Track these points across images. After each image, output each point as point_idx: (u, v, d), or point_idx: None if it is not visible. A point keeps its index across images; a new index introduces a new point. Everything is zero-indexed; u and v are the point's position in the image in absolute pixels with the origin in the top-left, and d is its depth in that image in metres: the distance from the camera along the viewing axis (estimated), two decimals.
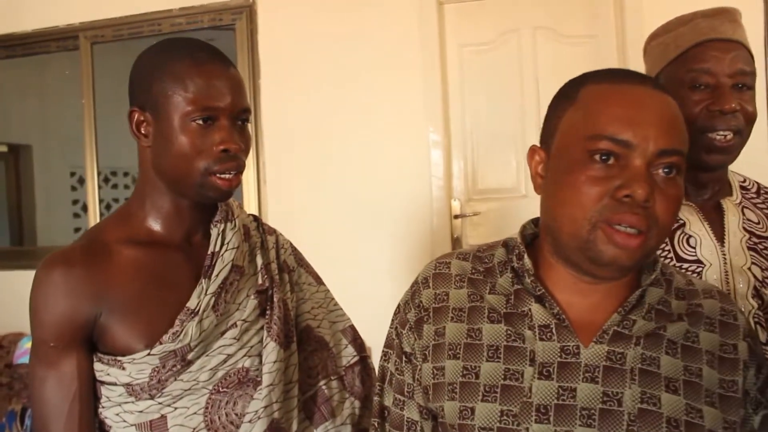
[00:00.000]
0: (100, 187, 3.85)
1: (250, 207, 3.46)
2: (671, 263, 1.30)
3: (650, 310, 0.92)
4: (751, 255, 1.30)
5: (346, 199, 3.35)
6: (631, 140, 0.85)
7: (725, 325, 0.95)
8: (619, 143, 0.85)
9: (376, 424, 1.05)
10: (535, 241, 1.01)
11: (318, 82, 3.39)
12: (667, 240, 1.32)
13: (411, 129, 3.27)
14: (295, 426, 1.26)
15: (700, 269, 1.30)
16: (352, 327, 1.45)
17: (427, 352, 0.98)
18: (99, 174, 3.87)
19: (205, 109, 1.11)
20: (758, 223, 1.35)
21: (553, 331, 0.91)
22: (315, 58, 3.40)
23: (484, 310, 0.96)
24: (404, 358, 1.02)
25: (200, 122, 1.12)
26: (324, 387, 1.34)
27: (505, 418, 0.88)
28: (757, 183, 1.44)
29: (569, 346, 0.90)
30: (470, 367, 0.93)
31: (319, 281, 1.46)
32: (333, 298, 1.46)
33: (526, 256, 0.96)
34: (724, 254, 1.31)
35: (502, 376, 0.90)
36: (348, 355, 1.40)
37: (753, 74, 1.34)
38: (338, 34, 3.37)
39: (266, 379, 1.20)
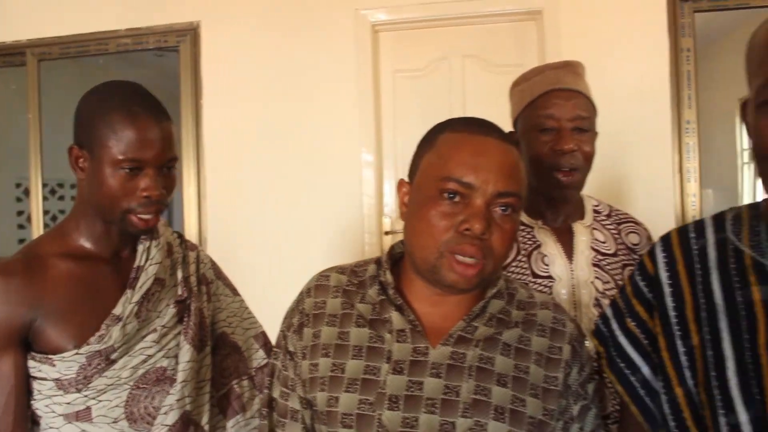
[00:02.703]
0: (45, 199, 3.91)
1: (191, 222, 3.57)
2: (528, 279, 1.50)
3: (491, 318, 1.10)
4: (595, 270, 1.51)
5: (284, 215, 3.47)
6: (474, 183, 1.02)
7: (555, 331, 1.12)
8: (464, 185, 1.02)
9: (264, 413, 1.18)
10: (402, 259, 1.17)
11: (258, 102, 3.51)
12: (525, 258, 1.52)
13: (345, 149, 3.42)
14: (206, 419, 1.42)
15: (551, 284, 1.50)
16: (264, 333, 1.62)
17: (306, 351, 1.12)
18: (45, 186, 3.92)
19: (133, 161, 1.26)
20: (605, 242, 1.56)
21: (408, 334, 1.07)
22: (256, 80, 3.52)
23: (353, 316, 1.12)
24: (288, 357, 1.16)
25: (128, 170, 1.27)
26: (236, 386, 1.51)
27: (362, 405, 1.03)
28: (609, 206, 1.66)
29: (420, 347, 1.06)
30: (338, 363, 1.08)
31: (235, 292, 1.63)
32: (247, 308, 1.63)
33: (388, 272, 1.13)
34: (573, 270, 1.51)
35: (363, 371, 1.06)
36: (259, 357, 1.57)
37: (590, 119, 1.55)
38: (278, 57, 3.50)
39: (180, 376, 1.36)
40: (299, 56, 3.49)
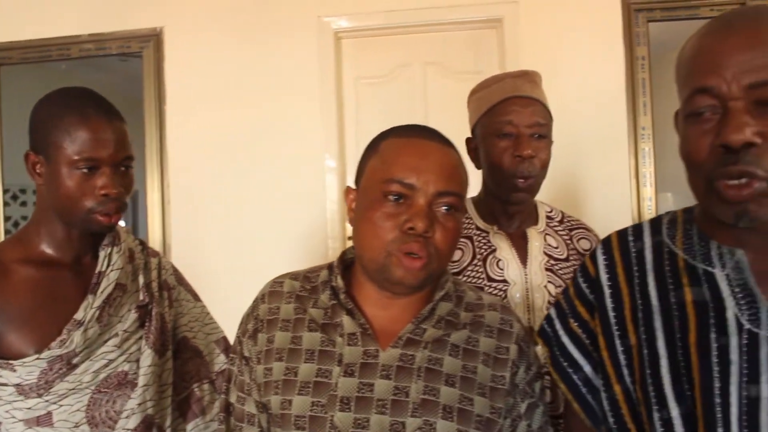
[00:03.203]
0: (7, 205, 3.88)
1: (155, 228, 3.56)
2: (483, 283, 1.55)
3: (440, 320, 1.14)
4: (547, 275, 1.57)
5: (247, 221, 3.48)
6: (415, 184, 1.07)
7: (502, 332, 1.16)
8: (406, 186, 1.07)
9: (221, 418, 1.21)
10: (353, 264, 1.21)
11: (222, 108, 3.52)
12: (480, 262, 1.57)
13: (308, 155, 3.44)
14: (168, 422, 1.45)
15: (506, 287, 1.55)
16: (225, 338, 1.64)
17: (260, 356, 1.15)
18: (6, 191, 3.89)
19: (89, 160, 1.30)
20: (557, 248, 1.62)
21: (359, 337, 1.11)
22: (219, 86, 3.53)
23: (305, 321, 1.15)
24: (244, 362, 1.18)
25: (84, 170, 1.31)
26: (196, 389, 1.54)
27: (315, 407, 1.07)
28: (562, 213, 1.72)
29: (370, 349, 1.10)
30: (291, 367, 1.11)
31: (196, 298, 1.65)
32: (209, 314, 1.66)
33: (339, 277, 1.17)
34: (527, 275, 1.57)
35: (315, 374, 1.09)
36: (220, 362, 1.60)
37: (547, 126, 1.61)
38: (242, 63, 3.52)
39: (142, 380, 1.39)
40: (262, 62, 3.51)
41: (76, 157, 1.30)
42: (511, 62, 3.34)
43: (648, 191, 3.33)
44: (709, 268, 1.00)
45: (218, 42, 3.54)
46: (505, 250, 1.60)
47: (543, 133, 1.59)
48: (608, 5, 3.36)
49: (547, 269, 1.58)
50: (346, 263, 1.23)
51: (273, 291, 1.21)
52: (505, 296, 1.55)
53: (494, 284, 1.56)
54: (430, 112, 3.42)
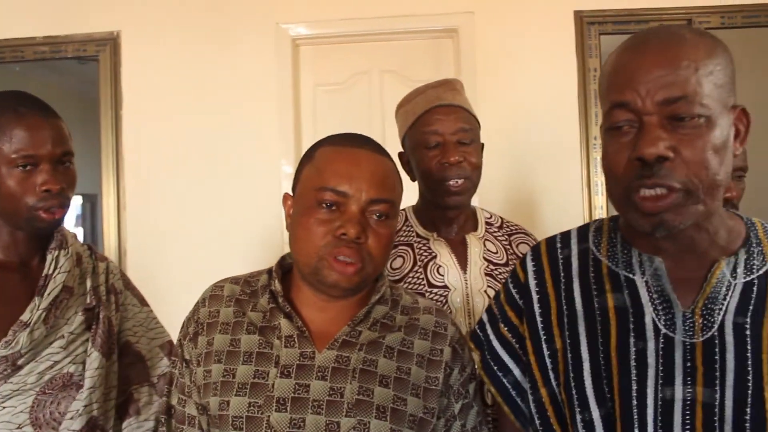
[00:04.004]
0: None
1: (110, 233, 3.52)
2: (424, 289, 1.58)
3: (375, 323, 1.17)
4: (487, 279, 1.61)
5: (203, 226, 3.46)
6: (348, 191, 1.10)
7: (437, 334, 1.20)
8: (339, 193, 1.10)
9: (163, 420, 1.23)
10: (292, 269, 1.23)
11: (179, 113, 3.49)
12: (421, 269, 1.60)
13: (265, 161, 3.44)
14: (110, 424, 1.46)
15: (446, 293, 1.59)
16: (170, 342, 1.65)
17: (200, 359, 1.17)
18: None
19: (27, 157, 1.32)
20: (496, 253, 1.66)
21: (296, 340, 1.14)
22: (176, 91, 3.51)
23: (244, 324, 1.17)
24: (184, 364, 1.21)
25: (24, 168, 1.32)
26: (134, 392, 1.55)
27: (252, 408, 1.09)
28: (501, 218, 1.76)
29: (307, 351, 1.13)
30: (229, 369, 1.13)
31: (143, 303, 1.66)
32: (155, 318, 1.67)
33: (277, 281, 1.19)
34: (467, 280, 1.60)
35: (253, 376, 1.11)
36: (163, 365, 1.61)
37: (473, 131, 1.65)
38: (199, 68, 3.50)
39: (88, 383, 1.40)
40: (220, 68, 3.50)
41: (14, 156, 1.31)
42: (467, 72, 3.38)
43: (599, 200, 3.40)
44: (630, 275, 1.05)
45: (176, 47, 3.52)
46: (445, 257, 1.63)
47: (468, 139, 1.64)
48: (561, 18, 3.42)
49: (486, 274, 1.62)
50: (286, 268, 1.25)
51: (213, 295, 1.24)
52: (446, 301, 1.58)
53: (435, 290, 1.59)
54: (388, 120, 3.43)
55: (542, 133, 3.38)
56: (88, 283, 1.50)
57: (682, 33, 0.97)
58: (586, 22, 3.42)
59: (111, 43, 3.56)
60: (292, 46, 3.49)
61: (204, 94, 3.50)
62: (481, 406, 1.25)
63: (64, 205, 1.38)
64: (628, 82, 0.96)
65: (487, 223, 1.74)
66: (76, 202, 6.54)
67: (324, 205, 1.11)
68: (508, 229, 1.74)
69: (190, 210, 3.48)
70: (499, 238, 1.71)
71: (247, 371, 1.12)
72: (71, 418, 1.36)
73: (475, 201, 3.29)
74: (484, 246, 1.67)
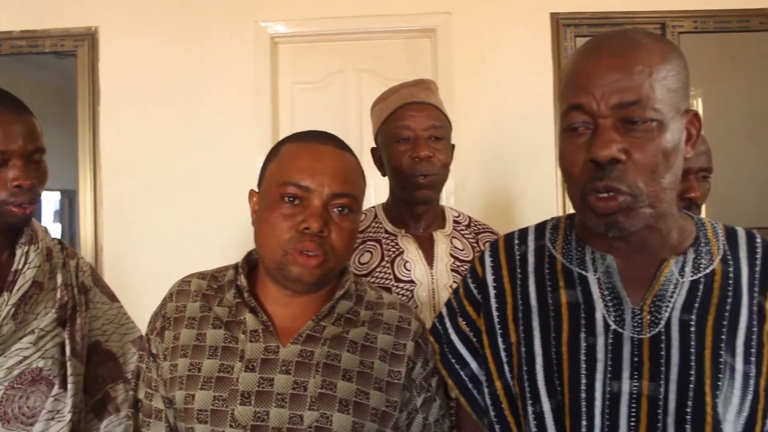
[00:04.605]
0: None
1: (87, 228, 3.51)
2: (391, 283, 1.61)
3: (339, 318, 1.19)
4: (453, 275, 1.64)
5: (181, 223, 3.46)
6: (310, 186, 1.13)
7: (400, 329, 1.22)
8: (302, 188, 1.13)
9: (130, 414, 1.24)
10: (258, 264, 1.25)
11: (157, 110, 3.49)
12: (389, 264, 1.64)
13: (243, 158, 3.43)
14: (83, 424, 1.47)
15: (413, 287, 1.62)
16: (141, 337, 1.67)
17: (167, 353, 1.19)
18: None
19: None
20: (463, 250, 1.70)
21: (260, 334, 1.16)
22: (154, 88, 3.50)
23: (210, 318, 1.19)
24: (152, 359, 1.22)
25: None
26: (110, 390, 1.56)
27: (216, 401, 1.11)
28: (469, 217, 1.81)
29: (271, 346, 1.15)
30: (195, 363, 1.15)
31: (113, 299, 1.67)
32: (125, 314, 1.68)
33: (242, 276, 1.21)
34: (433, 275, 1.64)
35: (218, 370, 1.13)
36: (134, 361, 1.62)
37: (444, 128, 1.70)
38: (178, 65, 3.50)
39: (71, 390, 1.41)
40: (198, 65, 3.50)
41: None
42: (443, 72, 3.42)
43: None
44: (583, 272, 1.08)
45: (154, 43, 3.52)
46: (412, 252, 1.67)
47: (439, 135, 1.68)
48: (538, 19, 3.46)
49: (452, 270, 1.66)
50: (252, 263, 1.27)
51: (180, 290, 1.26)
52: (412, 296, 1.62)
53: (401, 284, 1.63)
54: (365, 118, 3.38)
55: (518, 132, 3.42)
56: (59, 279, 1.51)
57: (638, 38, 1.00)
58: (562, 24, 3.46)
59: (89, 38, 3.55)
60: (270, 44, 3.51)
61: (182, 90, 3.50)
62: (444, 399, 1.28)
63: (35, 201, 1.40)
64: (585, 85, 0.99)
65: (454, 221, 1.78)
66: (54, 198, 6.50)
67: (287, 200, 1.13)
68: (475, 228, 1.78)
69: (167, 206, 3.48)
70: (466, 235, 1.74)
71: (213, 365, 1.14)
72: (52, 419, 1.38)
73: (451, 199, 3.36)
74: (451, 243, 1.71)
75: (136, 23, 3.53)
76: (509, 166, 3.44)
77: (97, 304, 1.62)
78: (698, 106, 3.79)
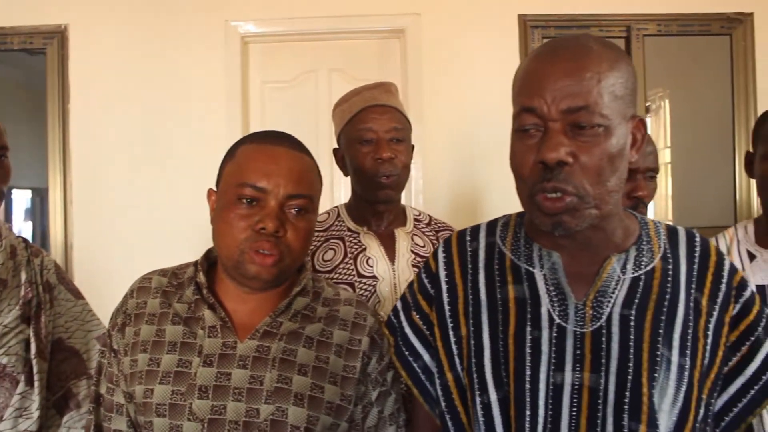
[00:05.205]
0: None
1: (57, 227, 3.51)
2: (354, 279, 1.65)
3: (296, 314, 1.23)
4: (414, 271, 1.70)
5: (152, 222, 3.46)
6: (266, 187, 1.16)
7: (356, 325, 1.25)
8: (258, 189, 1.16)
9: (92, 409, 1.26)
10: (217, 261, 1.29)
11: (127, 108, 3.49)
12: (352, 261, 1.68)
13: (213, 157, 3.39)
14: (44, 420, 1.49)
15: (375, 283, 1.67)
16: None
17: (127, 348, 1.22)
18: None
19: None
20: (423, 247, 1.75)
21: (219, 330, 1.19)
22: (125, 86, 3.50)
23: (170, 315, 1.22)
24: (113, 354, 1.25)
25: None
26: (72, 386, 1.58)
27: (174, 395, 1.14)
28: (429, 216, 1.86)
29: (229, 341, 1.18)
30: (154, 358, 1.18)
31: (77, 296, 1.69)
32: (90, 311, 1.70)
33: (201, 273, 1.24)
34: (394, 271, 1.68)
35: (177, 365, 1.16)
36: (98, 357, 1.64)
37: (405, 131, 1.75)
38: (148, 64, 3.50)
39: (38, 388, 1.43)
40: (169, 64, 3.50)
41: None
42: (413, 72, 3.46)
43: None
44: (531, 268, 1.13)
45: (125, 42, 3.51)
46: (374, 249, 1.71)
47: (400, 137, 1.74)
48: (506, 21, 3.52)
49: (413, 266, 1.71)
50: (211, 261, 1.30)
51: (141, 287, 1.28)
52: (375, 291, 1.66)
53: (364, 280, 1.67)
54: None
55: (486, 133, 3.46)
56: (23, 276, 1.52)
57: (590, 45, 1.04)
58: (529, 26, 3.51)
59: (58, 36, 3.53)
60: (241, 44, 3.52)
61: (152, 89, 3.50)
62: (400, 393, 1.31)
63: None
64: (537, 90, 1.02)
65: (415, 220, 1.83)
66: (25, 196, 6.45)
67: (244, 201, 1.17)
68: (435, 226, 1.84)
69: (138, 204, 3.48)
70: (426, 233, 1.80)
71: (171, 360, 1.17)
72: (21, 416, 1.39)
73: (420, 197, 3.40)
74: (412, 240, 1.76)
75: (106, 21, 3.52)
76: (477, 165, 3.49)
77: (62, 301, 1.64)
78: (665, 107, 3.88)
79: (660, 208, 3.89)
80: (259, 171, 1.17)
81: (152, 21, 3.52)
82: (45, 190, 3.61)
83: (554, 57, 1.03)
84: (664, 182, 3.93)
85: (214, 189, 1.28)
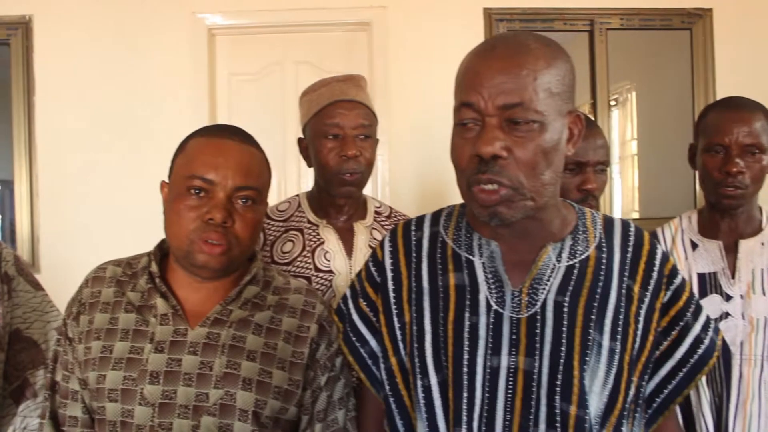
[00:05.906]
0: None
1: (23, 221, 3.50)
2: (311, 273, 1.68)
3: (246, 302, 1.27)
4: None
5: (119, 214, 3.47)
6: (214, 179, 1.20)
7: (305, 312, 1.30)
8: (206, 181, 1.20)
9: (47, 395, 1.30)
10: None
11: (93, 100, 3.49)
12: (309, 254, 1.70)
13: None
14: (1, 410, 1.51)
15: (332, 277, 1.69)
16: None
17: (82, 336, 1.25)
18: None
19: None
20: None
21: (170, 318, 1.23)
22: (91, 78, 3.50)
23: (123, 303, 1.26)
24: (68, 342, 1.29)
25: None
26: (29, 376, 1.59)
27: (126, 381, 1.18)
28: (390, 208, 1.87)
29: (180, 328, 1.22)
30: (107, 345, 1.22)
31: (37, 288, 1.69)
32: (50, 302, 1.70)
33: (154, 263, 1.28)
34: (351, 266, 1.71)
35: (129, 351, 1.20)
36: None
37: (371, 127, 1.75)
38: (114, 55, 3.50)
39: None
40: (135, 56, 3.50)
41: None
42: (379, 64, 3.50)
43: None
44: (470, 257, 1.17)
45: (91, 33, 3.50)
46: (332, 243, 1.73)
47: (367, 134, 1.73)
48: (471, 14, 3.56)
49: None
50: (165, 251, 1.34)
51: (96, 276, 1.32)
52: (331, 286, 1.68)
53: (321, 274, 1.69)
54: None
55: (451, 125, 3.48)
56: None
57: (528, 42, 1.07)
58: (494, 19, 3.56)
59: (23, 27, 3.52)
60: (207, 36, 3.54)
61: (119, 81, 3.50)
62: (350, 379, 1.35)
63: None
64: (475, 85, 1.06)
65: (375, 212, 1.84)
66: None
67: (193, 192, 1.21)
68: (395, 219, 1.85)
69: (104, 197, 3.48)
70: (386, 226, 1.81)
71: (124, 347, 1.21)
72: None
73: (386, 189, 3.44)
74: (371, 234, 1.77)
75: (72, 13, 3.51)
76: (443, 157, 3.47)
77: (20, 292, 1.64)
78: (632, 99, 3.94)
79: (627, 199, 3.96)
80: (207, 163, 1.21)
81: (119, 13, 3.51)
82: (11, 182, 3.60)
83: (492, 54, 1.07)
84: (631, 174, 4.01)
85: (167, 181, 1.31)
